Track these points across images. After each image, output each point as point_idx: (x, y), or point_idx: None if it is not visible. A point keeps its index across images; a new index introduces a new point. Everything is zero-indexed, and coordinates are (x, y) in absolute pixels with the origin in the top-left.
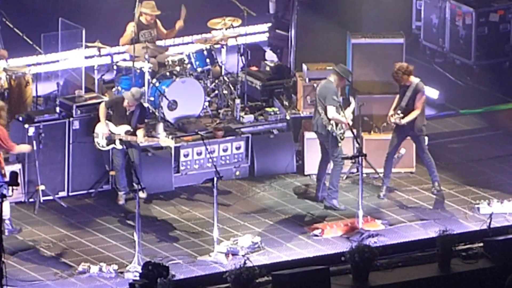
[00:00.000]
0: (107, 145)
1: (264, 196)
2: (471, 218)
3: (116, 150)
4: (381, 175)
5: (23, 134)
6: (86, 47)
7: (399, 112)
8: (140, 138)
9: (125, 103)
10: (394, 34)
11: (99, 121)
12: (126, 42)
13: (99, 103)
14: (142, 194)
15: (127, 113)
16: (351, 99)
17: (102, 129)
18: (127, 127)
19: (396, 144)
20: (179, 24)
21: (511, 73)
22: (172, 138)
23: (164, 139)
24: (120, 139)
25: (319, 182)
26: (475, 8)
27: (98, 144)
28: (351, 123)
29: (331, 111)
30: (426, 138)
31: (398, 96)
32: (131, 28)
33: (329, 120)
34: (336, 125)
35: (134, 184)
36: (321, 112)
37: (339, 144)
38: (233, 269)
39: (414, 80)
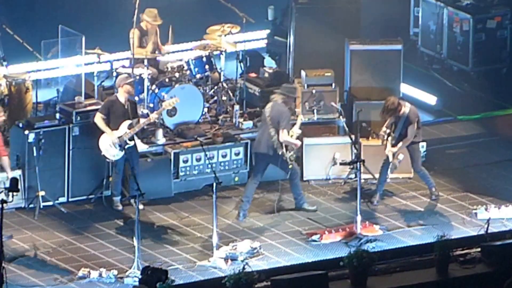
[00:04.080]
0: (122, 150)
1: (263, 201)
2: (468, 223)
3: (119, 157)
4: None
5: (23, 140)
6: (86, 53)
7: (392, 141)
8: (146, 121)
9: (123, 99)
10: (392, 41)
11: (99, 136)
12: (139, 51)
13: (99, 109)
14: (140, 206)
15: (125, 107)
16: (298, 112)
17: (110, 139)
18: (127, 122)
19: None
20: (167, 46)
21: (508, 79)
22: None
23: (167, 102)
24: (129, 138)
25: (246, 200)
26: (473, 14)
27: (113, 156)
28: (299, 143)
29: (284, 135)
30: (424, 143)
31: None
32: (132, 36)
33: (281, 143)
34: (286, 148)
35: (134, 190)
36: (273, 135)
37: (290, 166)
38: (232, 274)
39: (406, 109)
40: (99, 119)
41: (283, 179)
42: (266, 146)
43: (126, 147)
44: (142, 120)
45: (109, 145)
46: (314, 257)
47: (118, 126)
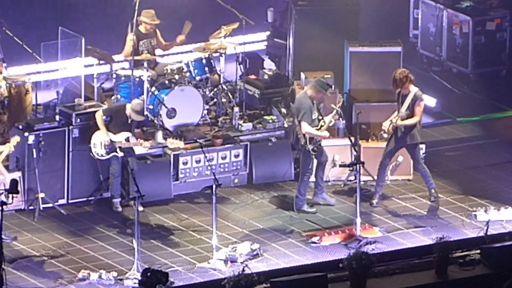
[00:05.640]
0: (108, 154)
1: (263, 203)
2: (468, 225)
3: (115, 157)
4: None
5: (23, 142)
6: (86, 55)
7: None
8: (145, 144)
9: (128, 112)
10: (391, 43)
11: (95, 130)
12: (128, 55)
13: (104, 108)
14: (140, 208)
15: (129, 121)
16: (334, 106)
17: (102, 138)
18: (127, 134)
19: (390, 153)
20: (181, 38)
21: (508, 81)
22: (180, 139)
23: (171, 141)
24: (120, 147)
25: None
26: (472, 16)
27: (98, 154)
28: (325, 134)
29: (304, 127)
30: (424, 146)
31: (397, 107)
32: (130, 38)
33: (303, 134)
34: (311, 139)
35: (133, 192)
36: (297, 125)
37: (311, 157)
38: (232, 276)
39: (413, 88)
40: (99, 117)
41: (282, 181)
42: (291, 136)
43: (111, 154)
44: (140, 139)
45: (99, 143)
46: (314, 259)
47: (117, 133)
